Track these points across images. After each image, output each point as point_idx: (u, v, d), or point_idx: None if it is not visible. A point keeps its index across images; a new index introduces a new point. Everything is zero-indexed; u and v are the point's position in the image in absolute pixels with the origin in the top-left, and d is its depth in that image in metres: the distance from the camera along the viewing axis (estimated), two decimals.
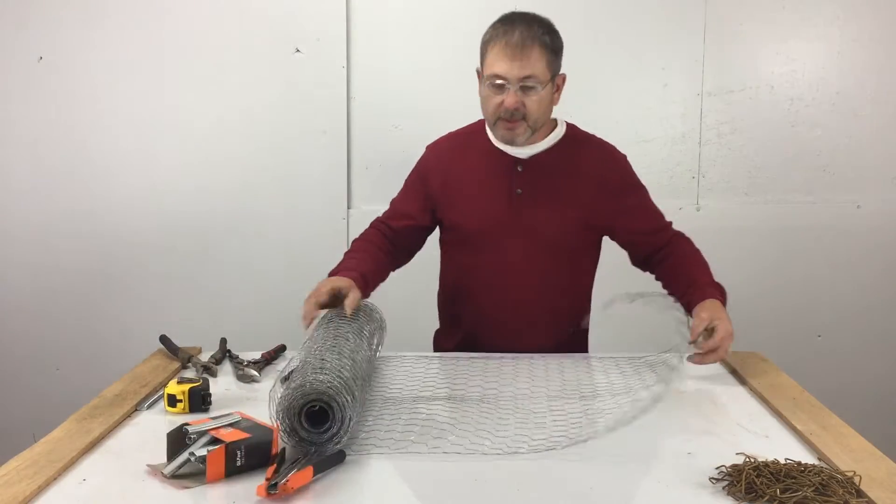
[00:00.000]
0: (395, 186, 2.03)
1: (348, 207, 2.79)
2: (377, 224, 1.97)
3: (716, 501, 1.12)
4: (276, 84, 2.77)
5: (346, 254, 1.89)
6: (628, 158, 1.95)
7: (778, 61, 2.78)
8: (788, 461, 1.18)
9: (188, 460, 1.18)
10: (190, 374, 1.69)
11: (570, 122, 1.93)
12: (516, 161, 1.86)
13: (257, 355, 1.80)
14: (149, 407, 1.50)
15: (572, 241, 1.89)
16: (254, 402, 1.50)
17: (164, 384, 1.54)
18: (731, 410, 1.48)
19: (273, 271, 2.78)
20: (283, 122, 2.78)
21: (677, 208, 2.81)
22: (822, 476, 1.13)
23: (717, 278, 1.85)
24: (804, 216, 2.83)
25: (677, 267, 1.89)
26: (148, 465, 1.21)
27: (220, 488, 1.16)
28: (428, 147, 2.01)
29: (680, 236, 1.96)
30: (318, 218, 2.78)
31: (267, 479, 1.12)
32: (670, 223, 1.97)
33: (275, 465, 1.17)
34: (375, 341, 1.70)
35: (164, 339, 1.87)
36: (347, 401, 1.27)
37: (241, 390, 1.61)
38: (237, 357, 1.78)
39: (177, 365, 1.76)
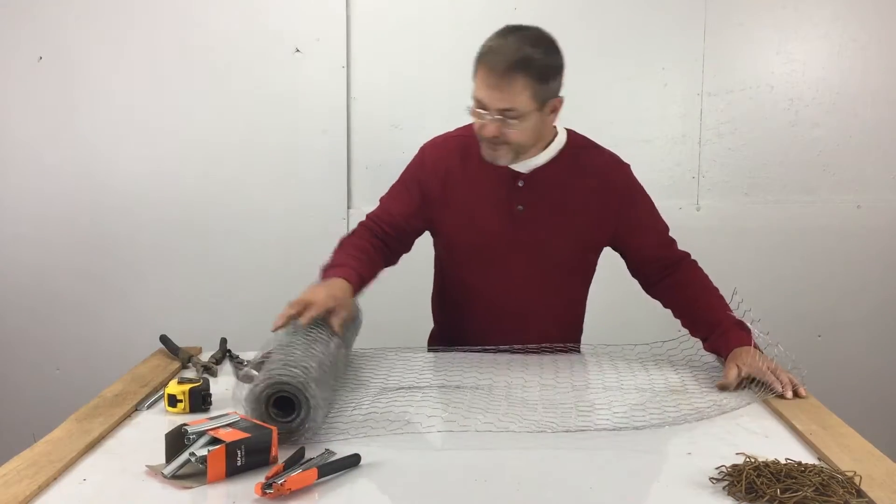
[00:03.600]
0: None
1: (348, 207, 2.80)
2: (368, 223, 1.87)
3: (716, 501, 1.12)
4: (276, 84, 2.77)
5: (337, 251, 1.79)
6: (631, 167, 1.89)
7: (778, 61, 2.78)
8: (788, 461, 1.18)
9: (188, 461, 1.18)
10: (190, 374, 1.69)
11: (569, 128, 1.86)
12: (516, 175, 1.78)
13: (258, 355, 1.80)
14: (149, 407, 1.50)
15: (574, 259, 1.85)
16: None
17: (164, 384, 1.54)
18: (731, 410, 1.48)
19: (273, 271, 2.78)
20: (283, 122, 2.78)
21: (677, 208, 2.82)
22: (822, 476, 1.13)
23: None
24: (804, 216, 2.83)
25: (693, 301, 1.80)
26: (147, 466, 1.21)
27: (220, 488, 1.16)
28: (424, 148, 1.90)
29: (687, 259, 1.87)
30: (318, 218, 2.78)
31: (266, 479, 1.12)
32: (674, 240, 1.90)
33: (282, 465, 1.17)
34: (348, 334, 1.69)
35: (164, 339, 1.86)
36: (311, 387, 1.30)
37: (242, 390, 1.61)
38: (237, 357, 1.78)
39: (177, 365, 1.76)
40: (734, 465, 1.18)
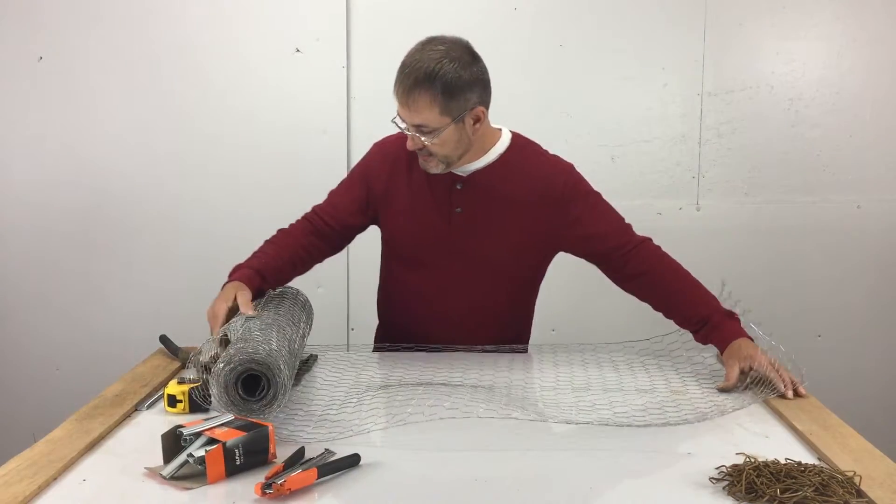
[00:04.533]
0: None
1: None
2: (310, 216, 1.89)
3: (716, 501, 1.12)
4: (276, 84, 2.77)
5: (265, 242, 1.84)
6: (575, 167, 1.87)
7: (778, 61, 2.78)
8: (788, 461, 1.18)
9: (186, 461, 1.18)
10: (190, 374, 1.68)
11: (515, 131, 1.86)
12: (456, 178, 1.79)
13: None
14: (149, 407, 1.50)
15: (514, 262, 1.83)
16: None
17: (164, 384, 1.54)
18: (731, 411, 1.48)
19: None
20: (283, 122, 2.79)
21: (677, 208, 2.82)
22: (822, 476, 1.13)
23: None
24: (804, 216, 2.83)
25: (670, 292, 1.78)
26: (146, 468, 1.21)
27: (220, 488, 1.16)
28: (376, 145, 1.93)
29: (648, 244, 1.82)
30: None
31: (266, 479, 1.13)
32: (630, 226, 1.85)
33: (281, 465, 1.17)
34: (303, 325, 1.72)
35: (164, 339, 1.86)
36: (278, 366, 1.35)
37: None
38: None
39: (177, 365, 1.76)
40: (734, 465, 1.18)
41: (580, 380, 1.67)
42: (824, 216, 2.83)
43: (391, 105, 1.96)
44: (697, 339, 1.76)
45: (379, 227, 1.92)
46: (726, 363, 1.64)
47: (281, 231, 1.88)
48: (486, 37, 2.76)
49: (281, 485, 1.11)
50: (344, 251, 2.57)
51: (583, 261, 1.86)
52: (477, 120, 1.72)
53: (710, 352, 1.78)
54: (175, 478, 1.17)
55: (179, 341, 1.87)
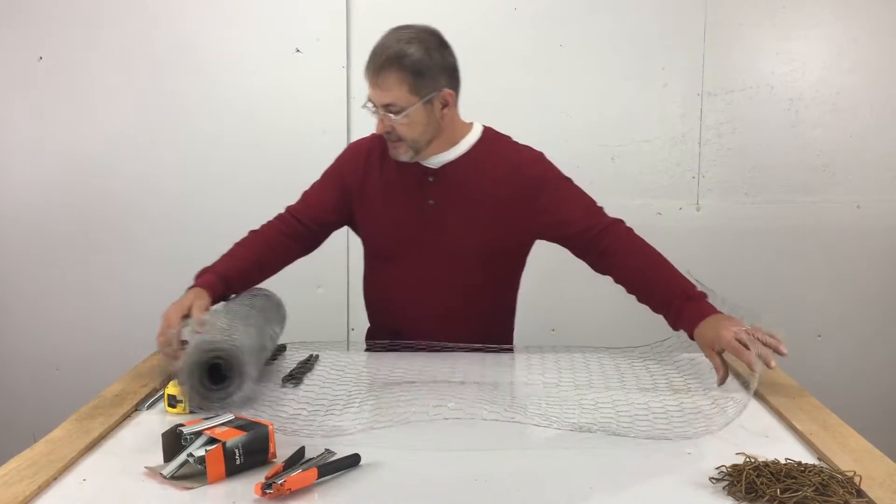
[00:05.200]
0: None
1: None
2: (284, 216, 1.92)
3: (716, 501, 1.12)
4: (276, 84, 2.77)
5: (235, 244, 1.86)
6: (546, 155, 1.88)
7: (778, 61, 2.79)
8: (788, 461, 1.18)
9: (186, 461, 1.18)
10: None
11: (487, 125, 1.88)
12: (427, 172, 1.82)
13: None
14: (149, 407, 1.50)
15: (489, 251, 1.84)
16: (253, 402, 1.50)
17: (164, 384, 1.54)
18: (731, 410, 1.48)
19: None
20: (283, 122, 2.79)
21: (677, 208, 2.82)
22: (822, 476, 1.13)
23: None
24: (804, 216, 2.83)
25: (637, 273, 1.77)
26: (146, 468, 1.21)
27: (219, 488, 1.16)
28: (350, 146, 1.97)
29: (619, 225, 1.82)
30: None
31: (266, 479, 1.12)
32: (601, 208, 1.85)
33: (281, 465, 1.17)
34: (274, 326, 1.76)
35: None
36: (241, 355, 1.43)
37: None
38: None
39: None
40: (734, 465, 1.18)
41: (582, 377, 1.67)
42: (824, 216, 2.83)
43: None
44: (671, 327, 1.74)
45: (356, 225, 1.94)
46: (707, 355, 1.62)
47: (252, 232, 1.90)
48: (486, 37, 2.79)
49: (281, 485, 1.11)
50: (344, 251, 2.59)
51: (583, 261, 1.86)
52: (445, 104, 1.76)
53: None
54: (175, 477, 1.17)
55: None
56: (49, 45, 2.75)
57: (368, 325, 2.05)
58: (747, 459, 1.20)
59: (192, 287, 1.72)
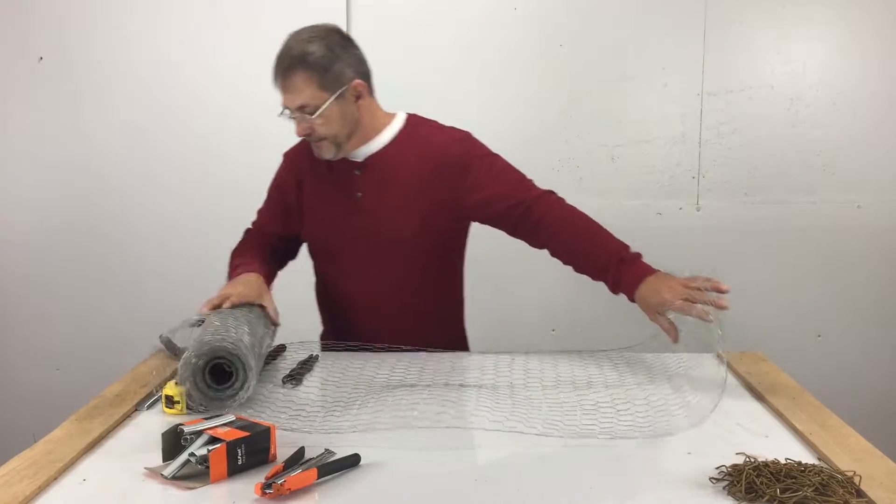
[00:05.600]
0: None
1: None
2: (253, 232, 1.99)
3: (716, 501, 1.12)
4: None
5: (236, 255, 1.90)
6: (473, 134, 1.88)
7: (778, 61, 2.78)
8: (788, 461, 1.18)
9: (188, 461, 1.18)
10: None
11: (412, 112, 1.90)
12: (354, 165, 1.83)
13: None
14: (149, 407, 1.50)
15: (423, 237, 1.84)
16: (253, 402, 1.50)
17: (163, 384, 1.54)
18: (731, 410, 1.48)
19: None
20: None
21: (677, 208, 2.82)
22: (822, 476, 1.13)
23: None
24: (804, 216, 2.83)
25: (569, 242, 1.76)
26: (146, 469, 1.21)
27: (219, 488, 1.16)
28: (284, 156, 1.98)
29: (549, 196, 1.81)
30: None
31: (266, 479, 1.13)
32: (531, 182, 1.84)
33: (281, 465, 1.17)
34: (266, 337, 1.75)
35: (163, 339, 1.86)
36: (245, 355, 1.42)
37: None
38: None
39: (177, 365, 1.76)
40: (734, 465, 1.18)
41: (581, 379, 1.66)
42: (824, 216, 2.83)
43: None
44: (612, 292, 1.73)
45: (301, 234, 1.96)
46: (652, 318, 1.63)
47: (240, 244, 1.97)
48: (486, 37, 2.79)
49: (281, 485, 1.11)
50: None
51: (522, 241, 1.85)
52: (359, 95, 1.78)
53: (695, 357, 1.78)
54: (175, 477, 1.17)
55: (179, 341, 1.87)
56: (49, 45, 2.75)
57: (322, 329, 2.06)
58: (747, 459, 1.20)
59: (246, 273, 1.76)
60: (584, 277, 1.83)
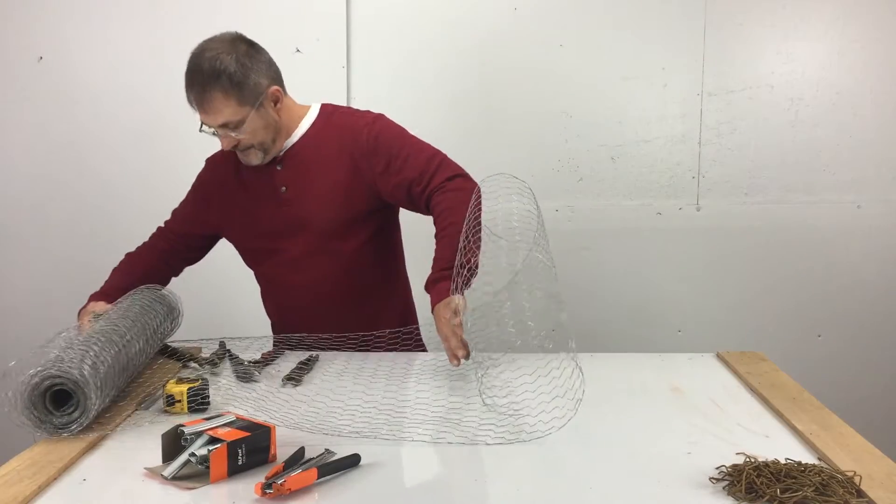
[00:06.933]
0: None
1: None
2: (159, 233, 2.02)
3: (716, 501, 1.12)
4: None
5: (113, 270, 1.97)
6: (386, 115, 1.90)
7: (778, 61, 2.78)
8: (788, 461, 1.18)
9: (188, 461, 1.18)
10: (190, 373, 1.69)
11: (326, 103, 1.91)
12: (274, 161, 1.85)
13: (257, 356, 1.80)
14: (149, 407, 1.50)
15: (349, 221, 1.85)
16: (253, 403, 1.50)
17: (164, 384, 1.54)
18: (731, 410, 1.48)
19: None
20: None
21: (677, 208, 2.82)
22: (822, 476, 1.13)
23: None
24: (804, 216, 2.83)
25: (437, 237, 1.76)
26: (146, 469, 1.21)
27: (220, 488, 1.16)
28: (207, 161, 2.01)
29: (449, 184, 1.79)
30: None
31: (266, 479, 1.13)
32: (442, 160, 1.83)
33: (281, 465, 1.17)
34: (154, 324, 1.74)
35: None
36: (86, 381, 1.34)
37: (241, 391, 1.61)
38: (237, 357, 1.78)
39: (177, 365, 1.76)
40: (734, 465, 1.18)
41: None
42: (824, 216, 2.83)
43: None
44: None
45: (225, 236, 1.99)
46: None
47: (128, 256, 1.99)
48: (486, 37, 2.79)
49: (281, 485, 1.11)
50: None
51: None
52: (276, 101, 1.79)
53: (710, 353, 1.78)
54: (175, 478, 1.17)
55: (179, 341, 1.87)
56: (49, 45, 2.75)
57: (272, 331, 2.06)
58: (747, 459, 1.20)
59: (86, 307, 1.86)
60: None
